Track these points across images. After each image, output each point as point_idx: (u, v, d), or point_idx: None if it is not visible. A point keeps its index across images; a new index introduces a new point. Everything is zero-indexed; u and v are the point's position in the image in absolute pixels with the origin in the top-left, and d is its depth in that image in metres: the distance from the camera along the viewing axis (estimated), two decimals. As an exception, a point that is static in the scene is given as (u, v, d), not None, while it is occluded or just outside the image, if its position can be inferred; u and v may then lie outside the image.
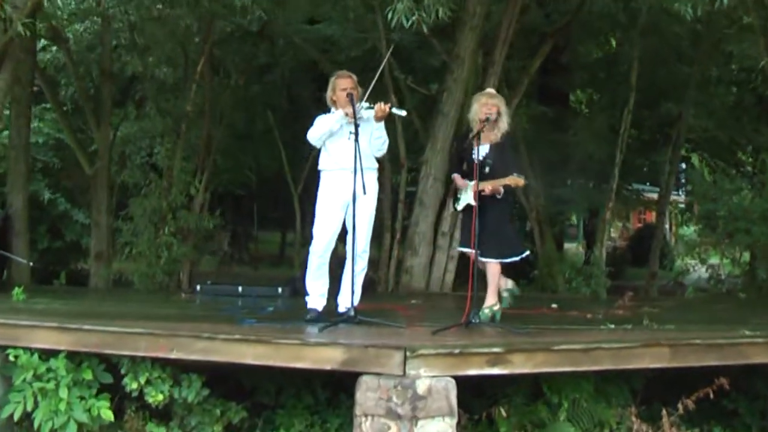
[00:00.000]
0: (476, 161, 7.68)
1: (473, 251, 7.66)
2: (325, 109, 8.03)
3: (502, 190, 7.80)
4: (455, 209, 8.32)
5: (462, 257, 9.83)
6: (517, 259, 8.10)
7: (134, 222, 11.88)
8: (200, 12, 12.72)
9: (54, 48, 13.88)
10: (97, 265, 12.43)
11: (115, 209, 12.66)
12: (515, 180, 7.65)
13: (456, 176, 8.25)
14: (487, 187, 7.76)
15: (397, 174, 12.85)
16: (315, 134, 7.83)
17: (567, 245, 20.33)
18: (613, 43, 18.44)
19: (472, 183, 7.81)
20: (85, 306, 8.88)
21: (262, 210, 26.05)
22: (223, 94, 14.41)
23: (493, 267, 7.99)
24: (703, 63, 14.93)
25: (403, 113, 8.09)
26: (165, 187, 12.01)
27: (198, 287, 10.86)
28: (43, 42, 13.38)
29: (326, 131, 7.78)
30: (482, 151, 7.87)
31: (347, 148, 7.61)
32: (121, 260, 12.70)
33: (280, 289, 10.53)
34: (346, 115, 7.64)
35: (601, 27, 16.61)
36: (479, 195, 7.75)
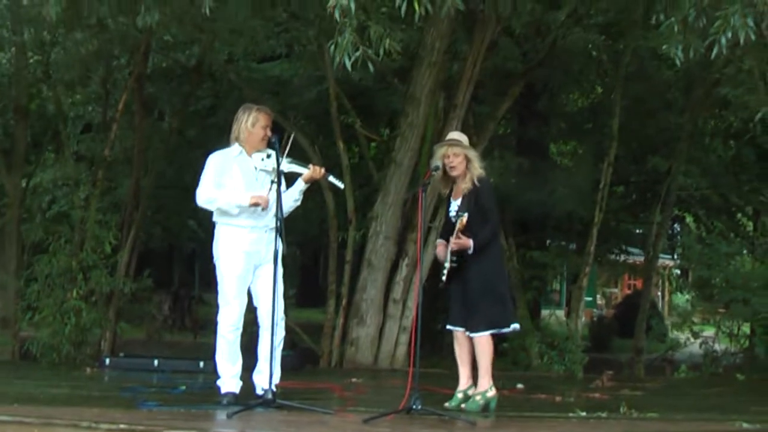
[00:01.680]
0: (423, 219, 7.08)
1: (460, 329, 7.33)
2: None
3: (470, 243, 7.11)
4: (442, 282, 7.54)
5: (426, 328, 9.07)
6: (509, 329, 7.49)
7: (39, 283, 11.13)
8: (129, 44, 12.30)
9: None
10: (2, 333, 11.78)
11: (27, 269, 11.97)
12: (459, 223, 6.95)
13: (439, 243, 7.58)
14: (453, 242, 7.11)
15: (345, 231, 12.23)
16: (204, 204, 7.21)
17: (547, 312, 19.83)
18: (599, 89, 18.15)
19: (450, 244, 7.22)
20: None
21: (209, 269, 25.49)
22: (154, 137, 13.85)
23: (483, 342, 7.31)
24: (696, 111, 14.56)
25: (341, 186, 7.68)
26: (77, 243, 11.29)
27: (107, 361, 10.35)
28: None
29: (221, 209, 7.16)
30: (454, 206, 7.40)
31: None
32: (30, 327, 12.00)
33: (201, 363, 10.03)
34: (255, 205, 7.04)
35: (581, 71, 16.32)
36: (459, 256, 7.21)
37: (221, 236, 7.21)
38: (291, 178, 7.27)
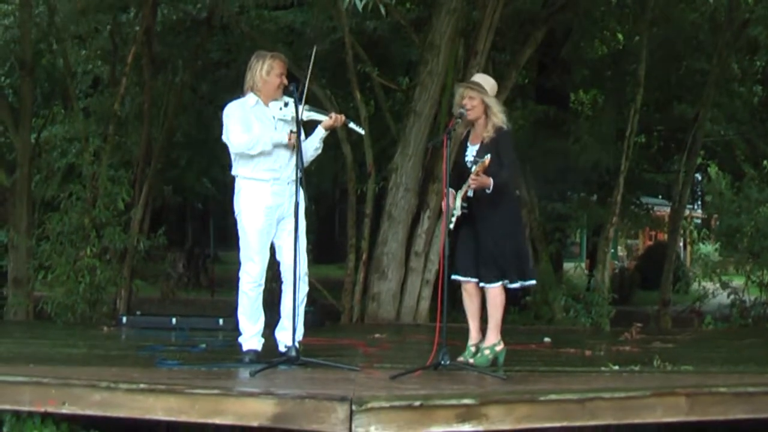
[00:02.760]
0: (445, 164, 6.88)
1: (471, 280, 7.14)
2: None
3: (489, 181, 6.88)
4: (449, 230, 7.38)
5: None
6: (527, 284, 7.35)
7: (52, 241, 11.03)
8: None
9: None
10: (15, 293, 11.69)
11: (38, 228, 11.86)
12: (481, 164, 6.73)
13: (445, 188, 7.32)
14: (471, 179, 6.88)
15: (364, 183, 12.11)
16: (250, 149, 7.02)
17: (568, 265, 19.74)
18: (621, 37, 17.93)
19: (461, 191, 7.05)
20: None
21: (228, 226, 25.53)
22: (166, 93, 13.70)
23: (495, 294, 7.18)
24: (723, 55, 14.25)
25: (362, 131, 7.48)
26: (89, 200, 11.17)
27: (123, 319, 10.29)
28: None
29: (264, 151, 7.01)
30: (472, 151, 7.21)
31: (282, 152, 6.99)
32: (44, 287, 11.93)
33: (220, 321, 9.98)
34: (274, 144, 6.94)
35: (605, 17, 16.09)
36: (469, 202, 7.03)
37: (242, 190, 7.09)
38: (310, 127, 7.13)
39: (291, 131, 6.91)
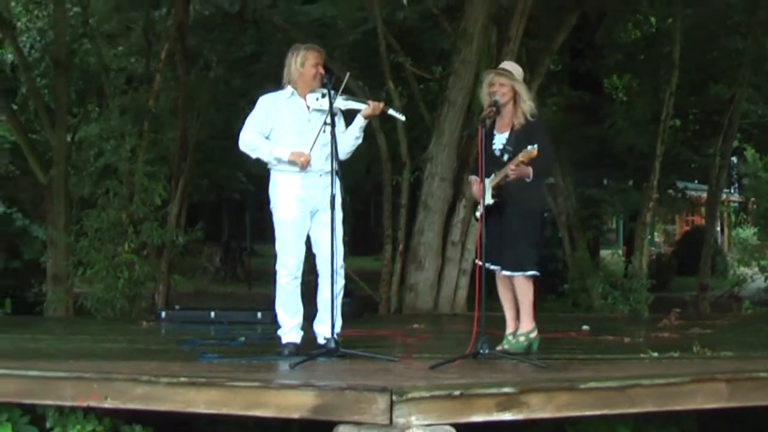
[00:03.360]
0: (481, 151, 6.84)
1: (496, 267, 7.09)
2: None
3: (529, 170, 6.85)
4: (475, 218, 7.42)
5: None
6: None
7: (90, 238, 11.13)
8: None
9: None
10: (54, 289, 11.81)
11: (76, 224, 11.97)
12: (527, 153, 6.70)
13: (473, 179, 7.34)
14: (510, 169, 6.84)
15: (399, 174, 12.17)
16: (247, 149, 7.14)
17: (604, 252, 19.65)
18: (653, 20, 17.82)
19: (490, 179, 7.01)
20: (19, 342, 8.20)
21: (263, 220, 25.62)
22: (200, 88, 13.77)
23: (522, 283, 7.16)
24: (758, 36, 14.12)
25: (402, 118, 7.40)
26: (126, 196, 11.27)
27: (163, 314, 10.32)
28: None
29: (260, 158, 7.10)
30: (500, 139, 7.12)
31: (317, 144, 6.92)
32: (83, 283, 12.04)
33: (259, 314, 10.00)
34: (289, 162, 6.93)
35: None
36: (500, 191, 6.97)
37: (275, 182, 7.11)
38: (350, 117, 7.12)
39: (324, 123, 6.88)
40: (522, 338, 7.21)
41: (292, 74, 7.07)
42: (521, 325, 7.25)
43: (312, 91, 7.00)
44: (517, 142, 6.96)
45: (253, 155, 7.10)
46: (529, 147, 6.67)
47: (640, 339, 8.33)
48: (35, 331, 9.19)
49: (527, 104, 7.08)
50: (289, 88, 7.10)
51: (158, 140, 13.28)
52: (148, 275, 11.35)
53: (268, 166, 7.15)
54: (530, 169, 6.85)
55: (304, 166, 6.89)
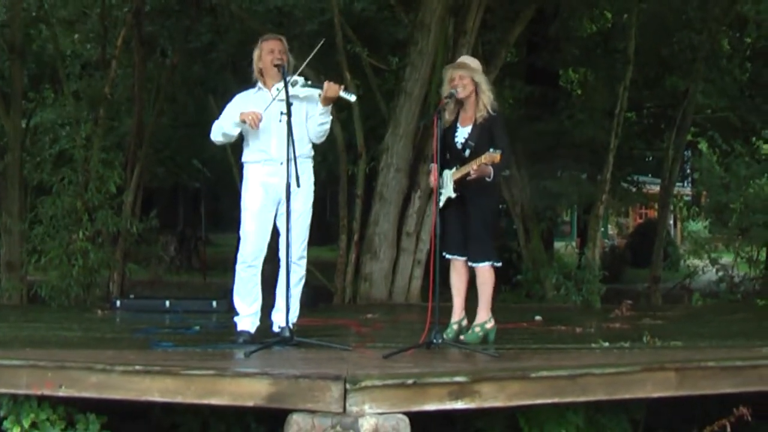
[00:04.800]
0: (435, 144, 6.93)
1: (461, 258, 7.23)
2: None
3: (490, 170, 6.93)
4: (439, 209, 7.45)
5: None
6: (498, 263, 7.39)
7: (44, 225, 11.06)
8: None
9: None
10: (8, 277, 11.71)
11: (31, 212, 11.88)
12: (491, 156, 6.78)
13: (433, 167, 7.32)
14: (472, 168, 6.90)
15: (354, 164, 12.17)
16: (213, 135, 7.29)
17: (558, 244, 19.82)
18: (608, 15, 17.94)
19: (451, 172, 7.14)
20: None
21: (219, 209, 25.53)
22: (157, 75, 13.71)
23: (485, 273, 7.25)
24: (713, 32, 14.27)
25: (353, 98, 7.33)
26: (81, 183, 11.20)
27: (117, 302, 10.29)
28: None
29: (225, 134, 7.21)
30: (463, 133, 7.21)
31: (277, 133, 6.95)
32: (37, 271, 11.94)
33: (214, 303, 10.00)
34: (243, 122, 6.97)
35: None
36: (462, 185, 7.08)
37: (245, 173, 7.23)
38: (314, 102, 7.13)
39: (281, 112, 6.90)
40: (477, 329, 7.30)
41: (256, 68, 7.18)
42: (478, 316, 7.34)
43: (278, 82, 7.03)
44: (479, 136, 7.06)
45: (222, 138, 7.22)
46: (492, 150, 6.72)
47: (591, 329, 8.42)
48: (-10, 319, 9.14)
49: (487, 95, 7.15)
50: (258, 84, 7.20)
51: (114, 127, 13.24)
52: (103, 263, 11.27)
53: (242, 159, 7.26)
54: (491, 170, 6.92)
55: (255, 124, 6.91)
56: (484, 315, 7.32)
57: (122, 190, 11.90)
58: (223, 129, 7.15)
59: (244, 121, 6.95)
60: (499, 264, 7.31)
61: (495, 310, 7.53)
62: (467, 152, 7.08)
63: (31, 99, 13.45)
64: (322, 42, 7.36)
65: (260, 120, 6.92)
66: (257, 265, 7.12)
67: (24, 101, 12.60)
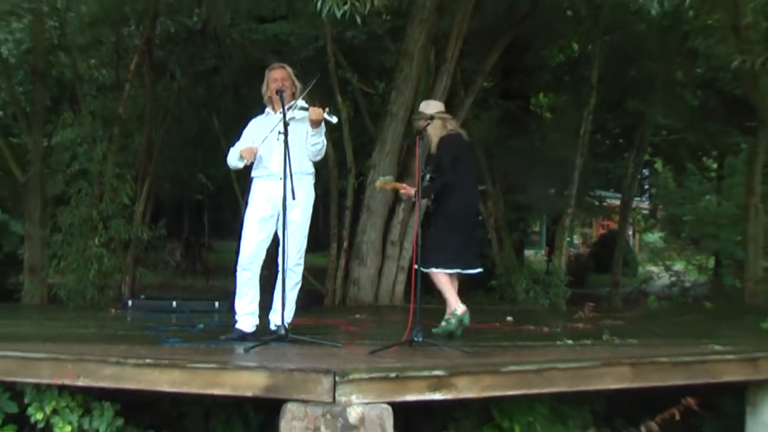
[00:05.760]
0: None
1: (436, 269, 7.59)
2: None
3: (411, 192, 7.79)
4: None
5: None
6: (450, 271, 7.64)
7: (63, 233, 11.10)
8: (138, 9, 12.26)
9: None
10: (30, 280, 11.73)
11: (51, 220, 11.89)
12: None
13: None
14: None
15: (344, 179, 12.22)
16: (229, 160, 7.36)
17: (529, 252, 19.89)
18: (575, 46, 18.04)
19: (389, 177, 8.41)
20: None
21: (221, 218, 25.49)
22: (165, 97, 13.75)
23: (435, 277, 7.57)
24: (668, 62, 14.40)
25: (334, 120, 7.31)
26: (96, 195, 11.24)
27: (129, 303, 10.29)
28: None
29: (234, 165, 7.32)
30: (430, 162, 7.75)
31: (277, 151, 7.00)
32: (57, 274, 11.95)
33: (216, 304, 10.00)
34: (242, 158, 7.14)
35: (563, 26, 16.17)
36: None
37: (252, 187, 7.31)
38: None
39: (279, 132, 6.97)
40: (449, 317, 7.59)
41: (265, 96, 7.29)
42: (447, 309, 7.65)
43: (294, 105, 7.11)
44: (433, 163, 7.65)
45: (234, 164, 7.26)
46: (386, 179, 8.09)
47: (557, 329, 8.48)
48: (14, 317, 9.16)
49: (434, 134, 7.67)
50: (266, 109, 7.32)
51: (127, 144, 13.23)
52: (116, 267, 11.28)
53: (251, 175, 7.33)
54: (412, 191, 7.75)
55: (250, 158, 7.04)
56: (452, 305, 7.60)
57: (133, 202, 11.91)
58: (234, 160, 7.23)
59: (243, 157, 7.08)
60: (434, 269, 7.56)
61: (470, 312, 7.63)
62: (428, 177, 7.59)
63: (52, 119, 13.46)
64: (318, 77, 7.47)
65: (255, 153, 7.06)
66: (253, 269, 7.13)
67: (45, 121, 12.61)
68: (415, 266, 7.33)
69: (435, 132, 7.66)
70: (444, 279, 7.55)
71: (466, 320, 7.56)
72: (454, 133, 7.67)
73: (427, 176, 7.47)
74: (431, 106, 7.94)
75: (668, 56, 14.32)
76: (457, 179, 7.56)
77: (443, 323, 7.60)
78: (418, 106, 8.22)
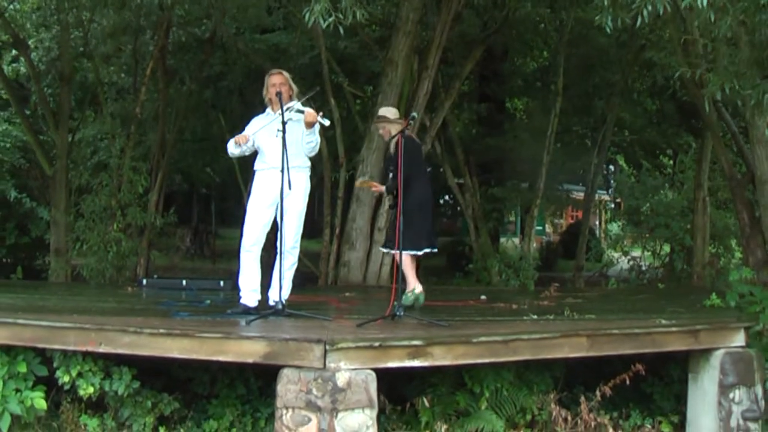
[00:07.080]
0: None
1: (392, 251, 7.87)
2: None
3: (382, 189, 8.34)
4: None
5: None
6: (418, 252, 7.91)
7: (86, 219, 11.22)
8: (153, 20, 12.37)
9: (21, 59, 13.38)
10: (56, 260, 11.82)
11: (74, 207, 12.00)
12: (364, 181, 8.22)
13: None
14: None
15: (337, 172, 12.29)
16: (229, 150, 7.46)
17: (503, 239, 20.05)
18: (545, 54, 18.19)
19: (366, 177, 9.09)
20: (30, 300, 8.24)
21: (226, 208, 25.56)
22: (177, 99, 13.84)
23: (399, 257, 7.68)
24: (627, 71, 14.57)
25: (327, 123, 7.40)
26: (115, 185, 11.37)
27: (144, 281, 10.35)
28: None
29: (236, 151, 7.42)
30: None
31: (276, 147, 7.10)
32: (79, 255, 12.06)
33: (221, 283, 10.04)
34: (237, 143, 7.27)
35: (533, 38, 16.34)
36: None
37: (254, 178, 7.43)
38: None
39: (278, 130, 7.09)
40: (409, 293, 7.83)
41: (266, 98, 7.39)
42: (407, 286, 7.88)
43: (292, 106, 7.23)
44: (390, 162, 7.93)
45: (231, 150, 7.38)
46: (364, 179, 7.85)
47: (525, 306, 8.55)
48: (42, 293, 9.21)
49: (394, 138, 7.91)
50: (267, 109, 7.42)
51: (142, 141, 13.33)
52: (132, 250, 11.39)
53: (254, 168, 7.46)
54: (382, 188, 8.22)
55: (242, 141, 7.21)
56: (411, 284, 7.90)
57: (148, 192, 11.99)
58: (231, 147, 7.35)
59: (238, 143, 7.21)
60: (411, 252, 7.81)
61: (449, 292, 7.86)
62: (390, 175, 7.76)
63: (76, 118, 13.55)
64: (317, 89, 7.67)
65: (246, 139, 7.22)
66: (254, 251, 7.23)
67: (70, 120, 12.72)
68: (396, 251, 7.48)
69: (392, 133, 7.97)
70: (407, 260, 7.76)
71: (422, 299, 7.86)
72: (407, 137, 7.79)
73: (390, 174, 7.64)
74: (391, 112, 8.26)
75: (627, 66, 14.48)
76: (413, 176, 7.76)
77: (410, 295, 7.83)
78: (403, 108, 8.42)
